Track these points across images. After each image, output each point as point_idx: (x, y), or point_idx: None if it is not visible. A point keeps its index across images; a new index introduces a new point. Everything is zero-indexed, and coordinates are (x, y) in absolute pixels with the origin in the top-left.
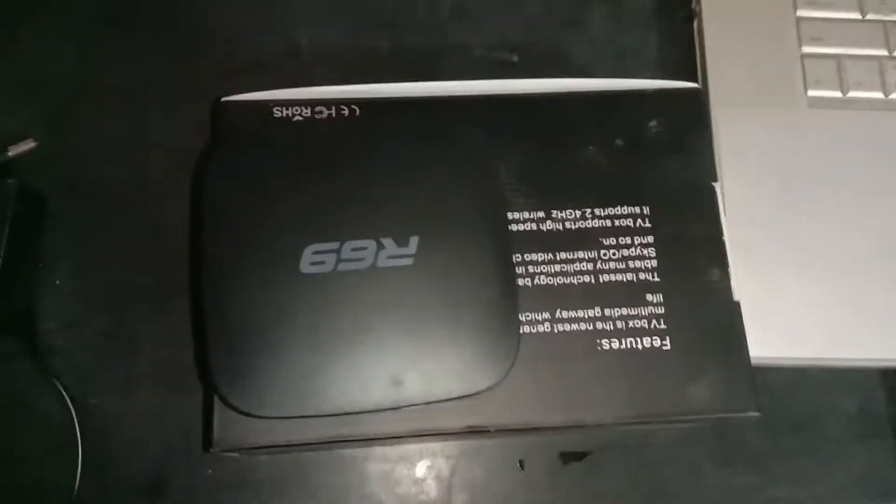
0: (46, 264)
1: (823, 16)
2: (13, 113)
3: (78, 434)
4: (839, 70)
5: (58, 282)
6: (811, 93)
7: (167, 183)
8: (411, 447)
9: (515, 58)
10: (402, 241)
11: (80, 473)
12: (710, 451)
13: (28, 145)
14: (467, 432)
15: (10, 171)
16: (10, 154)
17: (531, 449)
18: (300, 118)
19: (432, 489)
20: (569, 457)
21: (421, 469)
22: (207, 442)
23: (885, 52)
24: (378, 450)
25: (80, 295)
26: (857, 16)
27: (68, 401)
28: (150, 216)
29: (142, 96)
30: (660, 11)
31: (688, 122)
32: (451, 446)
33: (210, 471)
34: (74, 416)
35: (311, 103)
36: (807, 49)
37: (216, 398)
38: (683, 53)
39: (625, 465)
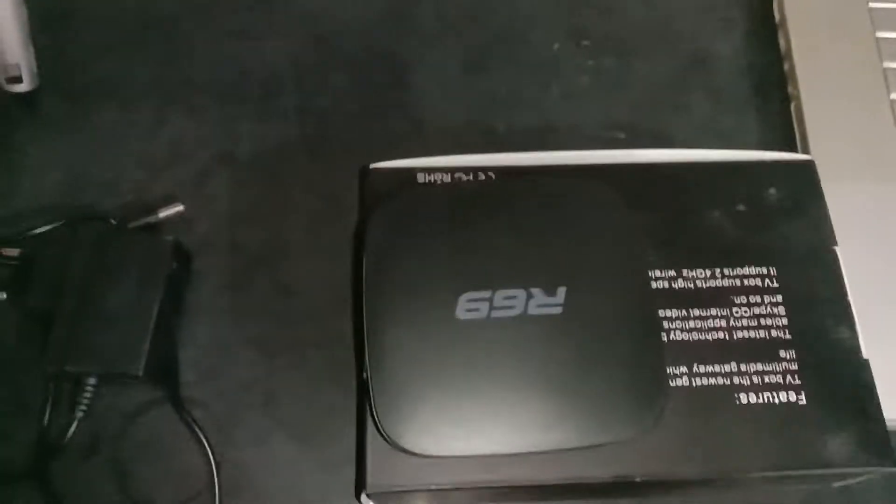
0: (189, 318)
1: None
2: (163, 178)
3: (216, 484)
4: None
5: (199, 336)
6: None
7: (302, 243)
8: None
9: (622, 135)
10: (550, 291)
11: None
12: None
13: (176, 208)
14: (613, 482)
15: (160, 232)
16: (160, 216)
17: None
18: (441, 183)
19: None
20: None
21: None
22: (360, 484)
23: None
24: None
25: (219, 348)
26: None
27: (209, 450)
28: (286, 274)
29: (277, 166)
30: (756, 96)
31: (804, 190)
32: None
33: None
34: (214, 465)
35: (451, 169)
36: None
37: (369, 441)
38: (781, 134)
39: None
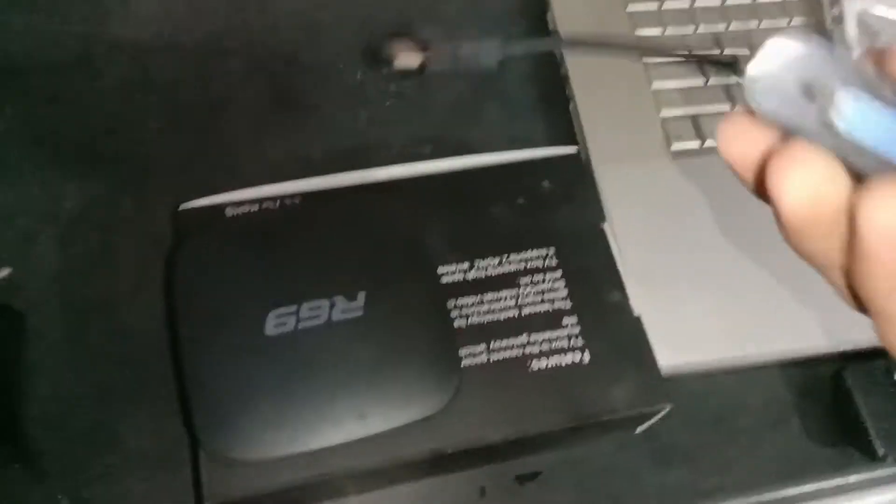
0: (30, 375)
1: (675, 86)
2: None
3: None
4: (694, 126)
5: (40, 391)
6: (674, 147)
7: (133, 287)
8: (382, 495)
9: (428, 149)
10: (351, 297)
11: None
12: (647, 454)
13: (3, 272)
14: (431, 457)
15: None
16: None
17: (490, 477)
18: (250, 213)
19: None
20: (523, 478)
21: None
22: (199, 498)
23: (729, 107)
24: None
25: (63, 398)
26: (701, 83)
27: (61, 500)
28: (120, 319)
29: (101, 218)
30: (542, 101)
31: (573, 178)
32: (420, 487)
33: None
34: None
35: (258, 200)
36: (665, 113)
37: (200, 458)
38: (566, 131)
39: (573, 477)
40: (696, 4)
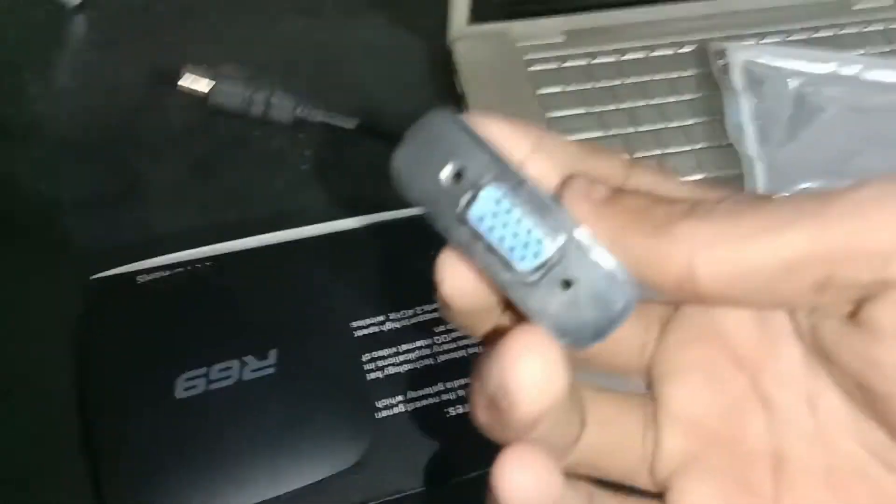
0: None
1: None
2: None
3: None
4: None
5: None
6: None
7: (48, 365)
8: None
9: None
10: (261, 356)
11: None
12: None
13: None
14: None
15: None
16: None
17: None
18: (161, 279)
19: None
20: None
21: None
22: None
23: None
24: None
25: None
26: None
27: None
28: (34, 398)
29: (17, 294)
30: None
31: None
32: None
33: None
34: None
35: (170, 266)
36: None
37: None
38: None
39: None
40: (595, 61)
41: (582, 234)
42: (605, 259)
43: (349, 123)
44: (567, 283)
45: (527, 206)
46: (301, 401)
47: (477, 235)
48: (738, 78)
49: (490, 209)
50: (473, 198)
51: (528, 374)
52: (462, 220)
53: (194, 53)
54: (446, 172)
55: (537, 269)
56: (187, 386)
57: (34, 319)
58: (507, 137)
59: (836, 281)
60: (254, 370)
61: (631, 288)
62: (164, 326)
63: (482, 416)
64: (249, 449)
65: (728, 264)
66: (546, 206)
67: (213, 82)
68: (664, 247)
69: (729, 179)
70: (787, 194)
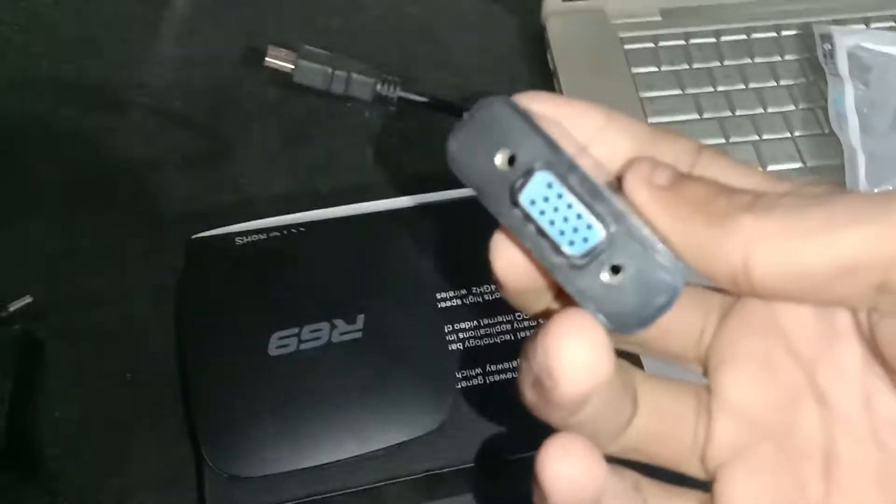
0: (46, 399)
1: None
2: (12, 275)
3: None
4: None
5: (57, 413)
6: None
7: (150, 318)
8: None
9: (430, 183)
10: (350, 320)
11: None
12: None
13: (25, 301)
14: (426, 477)
15: (12, 323)
16: (10, 309)
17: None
18: (257, 242)
19: None
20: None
21: None
22: None
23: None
24: None
25: (76, 422)
26: (696, 116)
27: None
28: (137, 349)
29: (120, 249)
30: None
31: None
32: None
33: None
34: None
35: (266, 230)
36: None
37: (205, 474)
38: None
39: None
40: (692, 41)
41: (632, 221)
42: (654, 247)
43: (432, 99)
44: (615, 269)
45: (578, 192)
46: (386, 366)
47: (528, 219)
48: (843, 64)
49: (541, 193)
50: (525, 182)
51: (570, 355)
52: (514, 203)
53: (288, 22)
54: (500, 157)
55: (586, 254)
56: (280, 344)
57: (136, 276)
58: (569, 117)
59: (893, 286)
60: (342, 333)
61: (679, 277)
62: (259, 286)
63: (528, 395)
64: (336, 407)
65: (783, 262)
66: (598, 191)
67: (296, 61)
68: (721, 239)
69: (828, 170)
70: (889, 188)
